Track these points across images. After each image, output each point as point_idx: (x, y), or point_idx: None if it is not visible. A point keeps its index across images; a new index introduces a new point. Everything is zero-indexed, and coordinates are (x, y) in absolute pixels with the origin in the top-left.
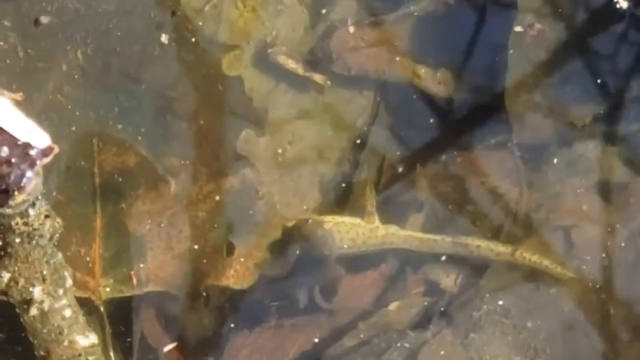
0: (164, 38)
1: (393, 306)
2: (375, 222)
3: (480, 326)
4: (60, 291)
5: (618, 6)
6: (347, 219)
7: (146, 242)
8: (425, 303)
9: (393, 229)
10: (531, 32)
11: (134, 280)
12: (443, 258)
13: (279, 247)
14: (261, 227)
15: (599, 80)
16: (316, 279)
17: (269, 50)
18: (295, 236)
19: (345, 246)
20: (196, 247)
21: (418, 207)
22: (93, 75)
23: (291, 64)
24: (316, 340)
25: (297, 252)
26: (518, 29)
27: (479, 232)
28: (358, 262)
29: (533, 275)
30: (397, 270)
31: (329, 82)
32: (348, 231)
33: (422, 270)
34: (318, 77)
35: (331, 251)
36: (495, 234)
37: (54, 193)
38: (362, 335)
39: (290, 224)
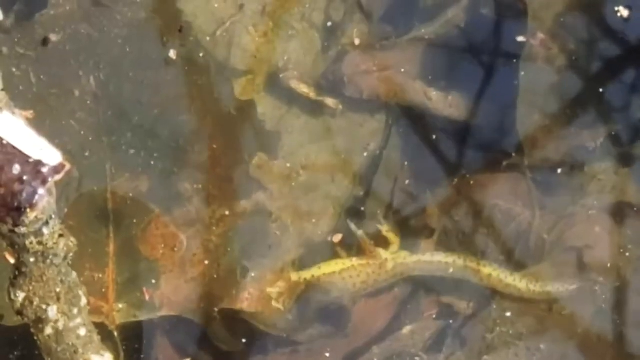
0: (172, 53)
1: (407, 330)
2: (382, 256)
3: (494, 348)
4: (75, 310)
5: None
6: (354, 262)
7: (160, 267)
8: (439, 326)
9: (402, 256)
10: (534, 42)
11: (147, 297)
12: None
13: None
14: (275, 250)
15: (611, 102)
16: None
17: (281, 75)
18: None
19: (357, 289)
20: (210, 271)
21: (429, 233)
22: (106, 100)
23: (303, 89)
24: None
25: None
26: (520, 38)
27: (491, 255)
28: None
29: (547, 298)
30: (410, 293)
31: (340, 106)
32: (358, 275)
33: (436, 292)
34: (330, 101)
35: (344, 296)
36: (508, 257)
37: (67, 219)
38: (375, 359)
39: (298, 285)
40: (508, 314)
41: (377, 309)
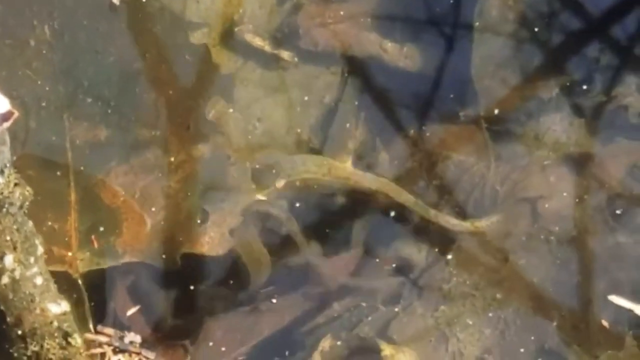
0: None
1: (367, 285)
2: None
3: (451, 298)
4: (32, 259)
5: None
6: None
7: (121, 214)
8: (398, 280)
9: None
10: None
11: (95, 245)
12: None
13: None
14: (234, 193)
15: (565, 53)
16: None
17: (236, 29)
18: None
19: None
20: (170, 216)
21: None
22: (61, 50)
23: (258, 42)
24: (290, 319)
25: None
26: None
27: (445, 206)
28: (332, 246)
29: (503, 249)
30: (370, 249)
31: (296, 59)
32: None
33: (394, 247)
34: (285, 54)
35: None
36: (463, 207)
37: (26, 170)
38: (335, 314)
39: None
40: (464, 265)
41: (337, 268)
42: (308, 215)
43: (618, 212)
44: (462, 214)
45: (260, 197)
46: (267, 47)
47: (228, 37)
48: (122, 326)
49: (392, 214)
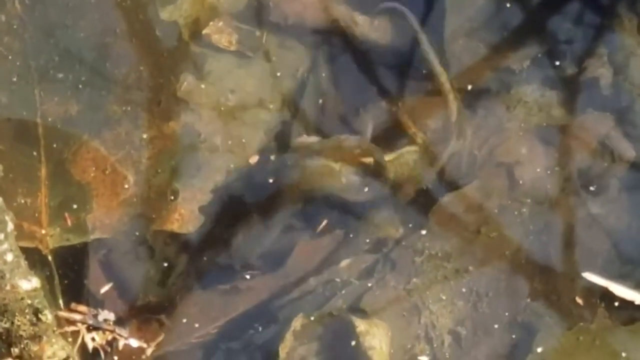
0: None
1: (344, 263)
2: None
3: (423, 271)
4: (2, 235)
5: None
6: None
7: (91, 190)
8: (375, 257)
9: None
10: None
11: (69, 222)
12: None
13: None
14: (204, 170)
15: (536, 24)
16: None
17: (204, 32)
18: None
19: None
20: (141, 193)
21: None
22: (32, 24)
23: (224, 42)
24: (266, 295)
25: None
26: None
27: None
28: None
29: (476, 220)
30: (347, 232)
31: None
32: None
33: (373, 226)
34: (249, 53)
35: None
36: (440, 173)
37: None
38: (309, 289)
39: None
40: (437, 237)
41: (316, 248)
42: None
43: (590, 183)
44: (441, 180)
45: None
46: (233, 47)
47: (198, 8)
48: (96, 303)
49: (366, 189)
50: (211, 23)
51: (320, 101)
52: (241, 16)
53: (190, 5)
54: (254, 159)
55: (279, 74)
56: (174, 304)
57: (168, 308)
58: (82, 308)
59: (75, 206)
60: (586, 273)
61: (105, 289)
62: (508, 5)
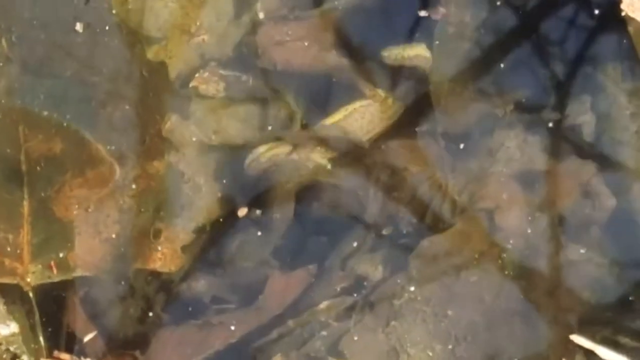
0: (78, 27)
1: (324, 305)
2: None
3: (401, 314)
4: None
5: None
6: (357, 105)
7: (74, 228)
8: (354, 298)
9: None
10: (435, 16)
11: (54, 271)
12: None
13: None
14: (187, 210)
15: (521, 69)
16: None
17: (191, 85)
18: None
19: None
20: (123, 231)
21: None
22: (18, 62)
23: (212, 90)
24: (242, 334)
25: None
26: (422, 13)
27: (403, 219)
28: (289, 263)
29: (455, 265)
30: (325, 265)
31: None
32: (363, 117)
33: (350, 264)
34: (237, 96)
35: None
36: (421, 216)
37: None
38: (287, 330)
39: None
40: (416, 281)
41: (290, 284)
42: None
43: (571, 230)
44: (421, 225)
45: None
46: (221, 94)
47: (185, 49)
48: (74, 340)
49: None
50: (197, 75)
51: None
52: (228, 62)
53: (175, 46)
54: (242, 212)
55: (262, 114)
56: (150, 340)
57: (144, 345)
58: (65, 356)
59: (57, 244)
60: (574, 336)
61: (89, 337)
62: (493, 49)
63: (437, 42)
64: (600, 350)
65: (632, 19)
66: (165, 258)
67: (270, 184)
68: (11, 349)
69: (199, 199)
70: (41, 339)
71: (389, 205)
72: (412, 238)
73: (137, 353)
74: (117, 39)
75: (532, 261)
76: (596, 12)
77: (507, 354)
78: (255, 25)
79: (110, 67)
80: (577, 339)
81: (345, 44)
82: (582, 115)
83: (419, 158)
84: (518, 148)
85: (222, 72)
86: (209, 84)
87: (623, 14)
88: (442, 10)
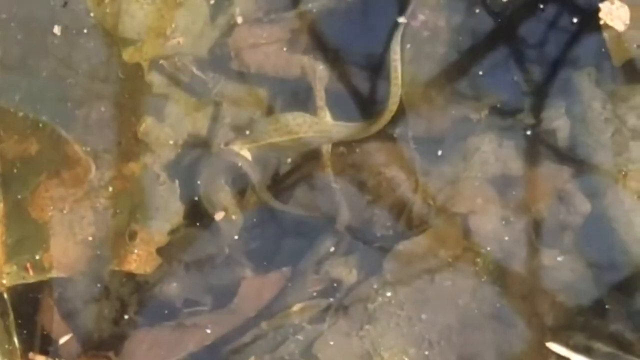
0: (56, 30)
1: (297, 307)
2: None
3: (375, 318)
4: None
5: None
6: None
7: (49, 229)
8: (328, 301)
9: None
10: (414, 24)
11: (30, 272)
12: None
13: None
14: (162, 212)
15: (496, 74)
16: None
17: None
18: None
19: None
20: (99, 233)
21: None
22: None
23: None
24: (216, 336)
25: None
26: (401, 19)
27: (377, 223)
28: (263, 265)
29: (429, 269)
30: (300, 268)
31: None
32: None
33: (324, 267)
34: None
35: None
36: (396, 220)
37: None
38: (261, 333)
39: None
40: (390, 284)
41: (264, 286)
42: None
43: (545, 235)
44: (396, 229)
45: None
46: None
47: (160, 51)
48: (49, 341)
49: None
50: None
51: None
52: (202, 63)
53: (150, 48)
54: (219, 216)
55: (237, 115)
56: (123, 342)
57: (118, 346)
58: (40, 358)
59: (32, 245)
60: (550, 343)
61: (64, 339)
62: (468, 54)
63: (409, 46)
64: (574, 357)
65: (609, 27)
66: (140, 260)
67: (246, 186)
68: None
69: (174, 201)
70: (15, 340)
71: (364, 209)
72: (387, 242)
73: (112, 354)
74: (94, 41)
75: (506, 265)
76: (573, 19)
77: (481, 358)
78: (231, 27)
79: (85, 69)
80: (553, 346)
81: (320, 47)
82: (557, 120)
83: (394, 162)
84: (493, 153)
85: (197, 74)
86: (178, 71)
87: (601, 22)
88: (421, 17)
